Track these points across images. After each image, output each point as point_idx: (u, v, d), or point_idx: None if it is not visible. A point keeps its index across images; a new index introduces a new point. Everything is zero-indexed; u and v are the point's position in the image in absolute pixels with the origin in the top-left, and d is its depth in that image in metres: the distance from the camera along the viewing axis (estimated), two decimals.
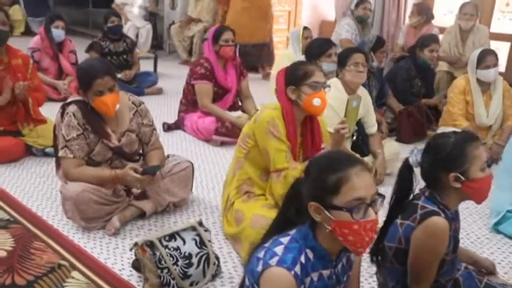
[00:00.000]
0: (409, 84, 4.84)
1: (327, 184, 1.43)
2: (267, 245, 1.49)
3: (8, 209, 2.85)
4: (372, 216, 1.43)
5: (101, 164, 2.77)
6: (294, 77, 2.58)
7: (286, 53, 5.21)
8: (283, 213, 1.64)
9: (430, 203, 1.80)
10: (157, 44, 8.21)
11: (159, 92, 5.73)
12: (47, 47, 5.12)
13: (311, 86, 2.54)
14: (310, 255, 1.48)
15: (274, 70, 5.13)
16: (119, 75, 5.30)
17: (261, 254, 1.46)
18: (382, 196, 1.47)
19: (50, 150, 3.60)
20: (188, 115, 4.29)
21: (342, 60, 3.44)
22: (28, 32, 9.05)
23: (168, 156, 2.99)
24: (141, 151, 2.92)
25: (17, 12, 8.86)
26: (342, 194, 1.41)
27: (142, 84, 5.63)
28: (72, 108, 2.69)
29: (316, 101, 2.54)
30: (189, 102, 4.31)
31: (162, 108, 5.19)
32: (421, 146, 1.95)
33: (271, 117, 2.55)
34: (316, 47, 4.12)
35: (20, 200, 2.97)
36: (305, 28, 5.13)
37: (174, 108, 5.11)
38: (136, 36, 7.58)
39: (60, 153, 2.68)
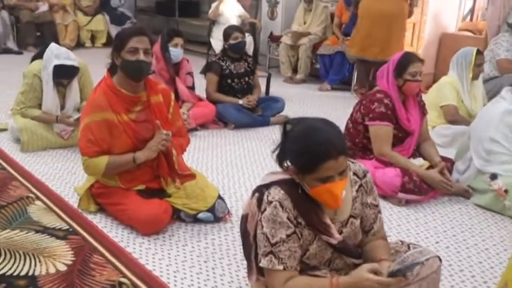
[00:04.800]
0: None
1: None
2: None
3: None
4: None
5: (318, 269, 1.89)
6: None
7: (449, 80, 4.22)
8: None
9: None
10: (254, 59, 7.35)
11: None
12: (162, 69, 4.31)
13: None
14: None
15: (441, 101, 4.15)
16: (240, 102, 4.53)
17: None
18: None
19: (204, 216, 2.76)
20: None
21: None
22: (110, 43, 8.36)
23: (408, 246, 2.07)
24: None
25: (100, 22, 8.21)
26: None
27: (268, 113, 4.74)
28: (277, 194, 1.81)
29: None
30: (357, 146, 3.39)
31: None
32: None
33: None
34: None
35: None
36: (479, 52, 4.13)
37: None
38: None
39: (264, 263, 1.80)
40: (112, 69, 2.75)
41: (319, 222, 1.84)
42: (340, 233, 1.90)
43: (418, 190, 3.17)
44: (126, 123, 2.67)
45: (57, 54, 3.53)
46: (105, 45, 8.39)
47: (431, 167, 3.34)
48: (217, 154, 3.90)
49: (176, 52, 4.27)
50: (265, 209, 1.82)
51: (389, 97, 3.26)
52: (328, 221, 1.86)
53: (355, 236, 1.95)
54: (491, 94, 4.68)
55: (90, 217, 2.79)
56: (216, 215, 2.78)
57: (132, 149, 2.69)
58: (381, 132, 3.25)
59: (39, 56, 3.70)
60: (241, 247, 2.53)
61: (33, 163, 3.52)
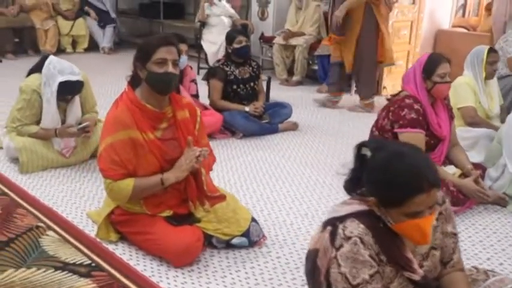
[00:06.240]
0: None
1: None
2: None
3: None
4: None
5: None
6: None
7: (465, 80, 4.03)
8: None
9: None
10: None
11: (295, 127, 4.61)
12: None
13: None
14: None
15: (458, 103, 3.97)
16: (246, 109, 4.30)
17: None
18: None
19: (238, 241, 2.53)
20: None
21: None
22: (92, 48, 8.04)
23: (486, 273, 1.87)
24: None
25: (81, 27, 7.83)
26: None
27: (276, 119, 4.52)
28: (356, 228, 1.59)
29: None
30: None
31: (308, 151, 4.07)
32: None
33: None
34: None
35: None
36: (491, 50, 3.97)
37: (321, 151, 4.04)
38: None
39: None
40: (133, 82, 2.49)
41: (401, 257, 1.64)
42: (421, 266, 1.70)
43: (455, 201, 3.00)
44: (152, 141, 2.41)
45: (60, 69, 3.21)
46: (87, 50, 8.03)
47: (463, 174, 3.18)
48: (231, 167, 3.66)
49: (182, 59, 3.96)
50: (341, 245, 1.60)
51: (419, 102, 3.07)
52: (411, 256, 1.66)
53: (435, 269, 1.76)
54: (503, 92, 4.56)
55: (111, 248, 2.52)
56: (251, 239, 2.55)
57: (158, 170, 2.44)
58: (412, 140, 3.02)
59: (36, 69, 3.38)
60: (284, 275, 2.37)
61: (35, 186, 3.22)
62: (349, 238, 1.59)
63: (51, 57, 3.32)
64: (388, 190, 1.54)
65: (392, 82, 6.22)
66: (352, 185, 1.72)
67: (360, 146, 1.69)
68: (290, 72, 6.65)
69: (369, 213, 1.63)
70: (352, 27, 5.17)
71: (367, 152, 1.67)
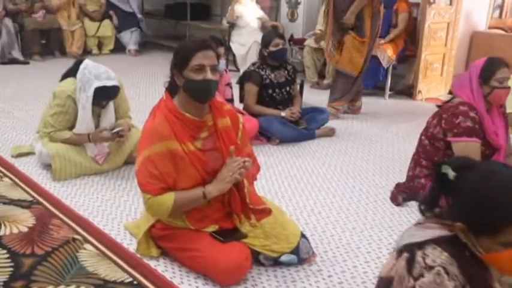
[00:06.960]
0: None
1: None
2: None
3: None
4: None
5: None
6: None
7: None
8: None
9: None
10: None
11: (332, 133, 4.44)
12: None
13: None
14: None
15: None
16: (282, 114, 4.15)
17: None
18: None
19: (288, 258, 2.36)
20: None
21: None
22: (118, 49, 7.96)
23: None
24: None
25: (107, 28, 7.73)
26: None
27: (313, 125, 4.35)
28: (439, 256, 1.41)
29: None
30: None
31: (348, 159, 3.90)
32: None
33: None
34: None
35: None
36: None
37: (360, 158, 3.87)
38: None
39: None
40: (171, 89, 2.35)
41: None
42: None
43: None
44: (193, 153, 2.26)
45: (96, 74, 3.09)
46: (112, 51, 7.96)
47: None
48: (270, 176, 3.50)
49: (220, 63, 3.84)
50: (421, 275, 1.43)
51: (475, 109, 2.89)
52: (498, 287, 1.48)
53: None
54: None
55: (153, 264, 2.38)
56: (300, 256, 2.39)
57: (200, 182, 2.29)
58: (468, 149, 2.87)
59: (71, 73, 3.26)
60: None
61: (69, 194, 3.10)
62: (431, 267, 1.41)
63: (87, 62, 3.20)
64: (481, 216, 1.36)
65: (427, 86, 6.03)
66: (429, 205, 1.56)
67: (440, 164, 1.52)
68: (321, 75, 6.48)
69: (453, 240, 1.45)
70: (365, 29, 4.94)
71: (448, 171, 1.50)
